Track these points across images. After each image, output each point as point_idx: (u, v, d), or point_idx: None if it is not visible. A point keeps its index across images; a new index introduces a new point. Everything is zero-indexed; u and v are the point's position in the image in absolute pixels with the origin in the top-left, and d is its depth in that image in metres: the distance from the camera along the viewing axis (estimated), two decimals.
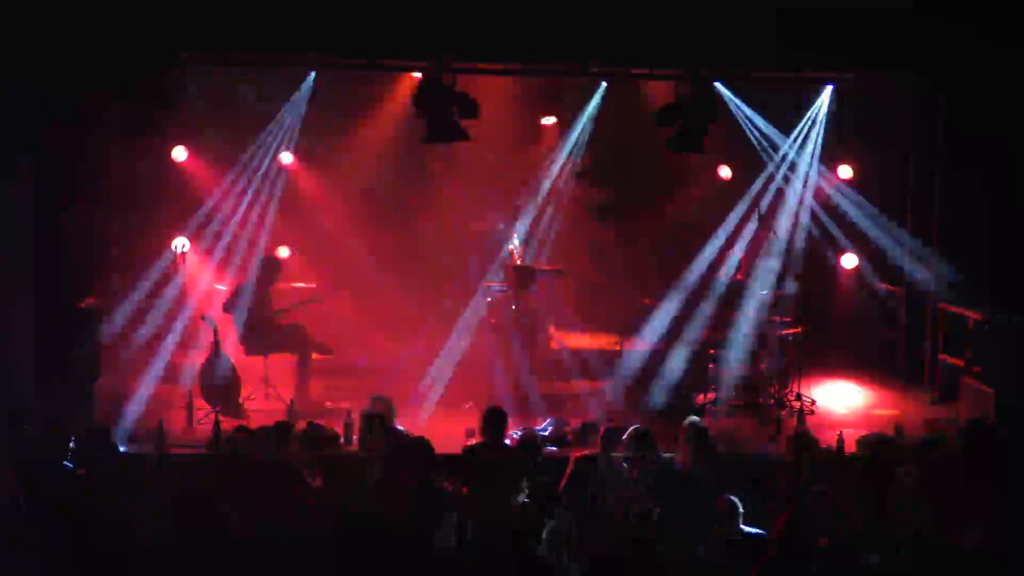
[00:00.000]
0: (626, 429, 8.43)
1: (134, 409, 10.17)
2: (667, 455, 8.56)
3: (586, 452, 8.52)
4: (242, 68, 12.09)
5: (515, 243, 12.29)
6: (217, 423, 9.49)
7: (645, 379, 11.40)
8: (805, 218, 12.71)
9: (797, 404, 11.11)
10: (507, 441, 8.73)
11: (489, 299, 12.27)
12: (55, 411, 8.74)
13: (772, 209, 12.62)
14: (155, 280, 12.09)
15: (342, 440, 9.56)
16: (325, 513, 6.94)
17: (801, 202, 12.71)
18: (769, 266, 11.74)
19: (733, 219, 12.76)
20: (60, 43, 9.69)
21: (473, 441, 8.64)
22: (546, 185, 13.48)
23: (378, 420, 8.48)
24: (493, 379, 11.25)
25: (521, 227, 12.72)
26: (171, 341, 11.67)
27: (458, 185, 13.50)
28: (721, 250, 12.45)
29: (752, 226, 12.14)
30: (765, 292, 11.63)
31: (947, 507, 7.02)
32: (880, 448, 8.36)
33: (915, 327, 12.69)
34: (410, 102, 10.91)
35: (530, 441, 8.71)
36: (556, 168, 13.48)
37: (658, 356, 11.59)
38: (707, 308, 11.80)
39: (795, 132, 12.51)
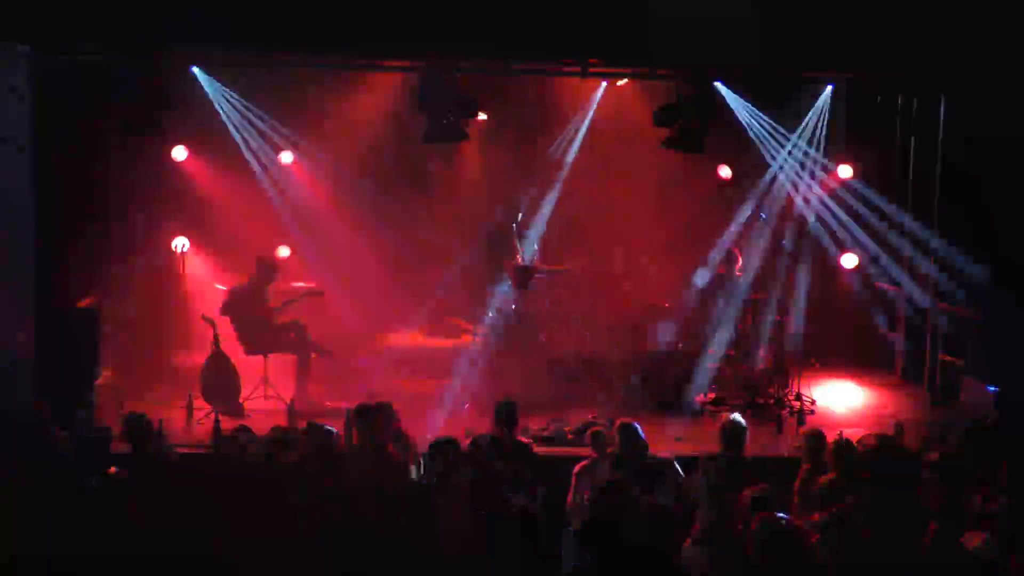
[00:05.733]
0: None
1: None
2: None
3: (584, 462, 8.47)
4: (243, 67, 12.09)
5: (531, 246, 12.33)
6: (217, 423, 9.49)
7: (646, 379, 11.42)
8: (809, 219, 12.70)
9: (797, 404, 11.13)
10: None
11: (490, 299, 12.29)
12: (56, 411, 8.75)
13: (777, 212, 12.63)
14: (155, 280, 12.10)
15: (343, 440, 9.55)
16: (324, 516, 6.94)
17: (805, 203, 12.70)
18: (774, 266, 11.79)
19: (736, 220, 12.77)
20: (60, 42, 9.71)
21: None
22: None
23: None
24: (493, 379, 11.26)
25: (512, 226, 12.70)
26: (171, 341, 11.68)
27: (459, 184, 13.53)
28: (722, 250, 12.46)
29: (755, 228, 12.17)
30: (768, 293, 11.68)
31: (948, 509, 7.02)
32: (880, 448, 8.35)
33: (915, 327, 12.70)
34: (410, 101, 10.92)
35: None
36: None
37: (658, 356, 11.61)
38: (709, 308, 11.82)
39: (796, 132, 12.50)
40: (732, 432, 8.08)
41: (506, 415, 8.46)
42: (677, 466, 8.12)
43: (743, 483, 7.49)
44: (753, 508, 6.67)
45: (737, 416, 8.29)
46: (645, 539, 6.26)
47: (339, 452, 8.14)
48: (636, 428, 8.20)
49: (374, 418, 8.32)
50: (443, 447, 7.91)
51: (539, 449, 9.43)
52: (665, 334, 11.67)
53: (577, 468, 8.27)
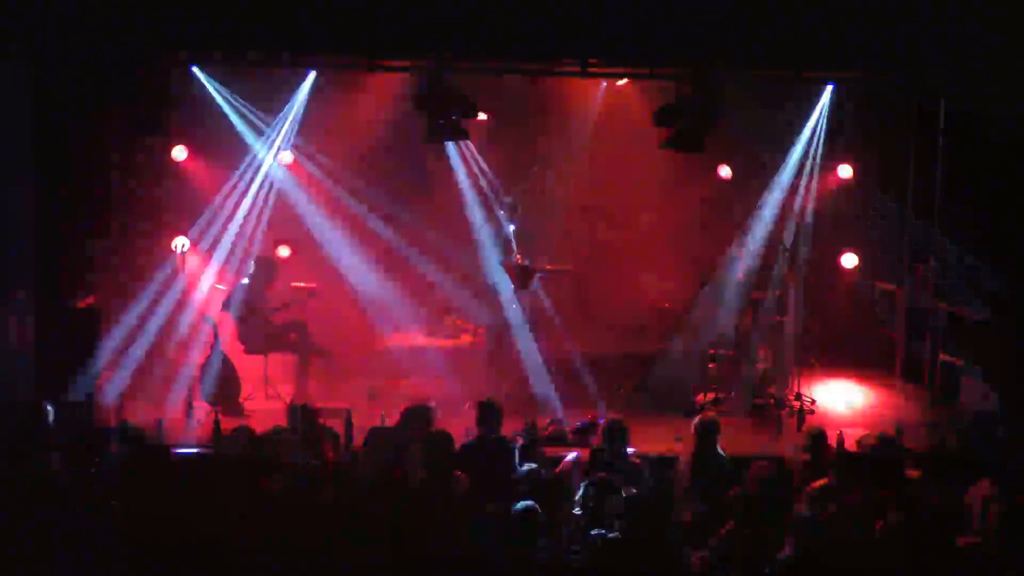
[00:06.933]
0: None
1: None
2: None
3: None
4: (243, 68, 12.08)
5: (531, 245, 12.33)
6: (217, 423, 9.49)
7: (646, 379, 11.42)
8: (809, 219, 12.70)
9: (797, 404, 11.13)
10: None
11: (490, 299, 12.27)
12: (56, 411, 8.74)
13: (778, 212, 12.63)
14: (155, 280, 12.09)
15: (343, 440, 9.56)
16: (327, 515, 6.95)
17: (805, 203, 12.70)
18: (775, 268, 11.79)
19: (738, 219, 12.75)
20: (59, 42, 9.71)
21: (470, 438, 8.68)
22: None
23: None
24: (493, 379, 11.26)
25: (512, 225, 12.67)
26: (171, 341, 11.67)
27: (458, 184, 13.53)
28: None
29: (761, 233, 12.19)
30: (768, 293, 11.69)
31: (946, 509, 7.04)
32: (881, 448, 8.36)
33: (915, 327, 12.69)
34: (409, 102, 10.91)
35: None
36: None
37: (658, 356, 11.61)
38: (708, 308, 11.82)
39: (796, 132, 12.48)
40: (706, 429, 8.29)
41: (488, 415, 8.47)
42: (661, 463, 8.27)
43: (728, 479, 7.62)
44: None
45: (711, 414, 8.58)
46: (635, 531, 6.37)
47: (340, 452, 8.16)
48: (620, 426, 8.34)
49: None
50: (444, 444, 7.95)
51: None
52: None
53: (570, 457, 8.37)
